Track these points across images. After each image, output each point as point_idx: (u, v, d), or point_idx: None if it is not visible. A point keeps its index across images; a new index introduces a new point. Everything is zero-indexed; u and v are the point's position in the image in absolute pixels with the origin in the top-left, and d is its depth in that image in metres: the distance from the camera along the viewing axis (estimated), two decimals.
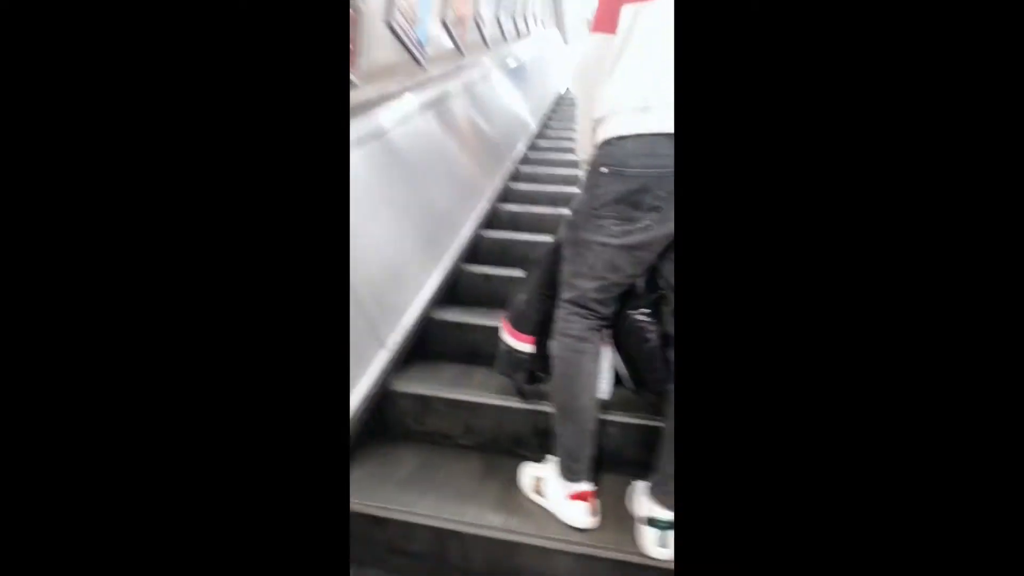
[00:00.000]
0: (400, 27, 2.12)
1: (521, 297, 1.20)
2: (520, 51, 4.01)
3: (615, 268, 0.97)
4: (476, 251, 2.25)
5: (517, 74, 3.76)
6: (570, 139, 4.13)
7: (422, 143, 2.24)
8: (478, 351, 1.60)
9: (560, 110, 4.53)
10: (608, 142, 0.93)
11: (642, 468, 1.11)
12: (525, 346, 1.20)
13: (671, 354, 1.05)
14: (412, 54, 2.30)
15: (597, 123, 0.95)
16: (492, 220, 2.52)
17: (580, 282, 1.01)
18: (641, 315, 1.07)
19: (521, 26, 4.29)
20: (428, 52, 2.44)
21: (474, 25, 3.14)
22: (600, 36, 0.95)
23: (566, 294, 1.05)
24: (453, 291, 1.97)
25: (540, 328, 1.18)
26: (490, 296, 1.98)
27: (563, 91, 4.88)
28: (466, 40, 2.97)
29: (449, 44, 2.75)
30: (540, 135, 3.80)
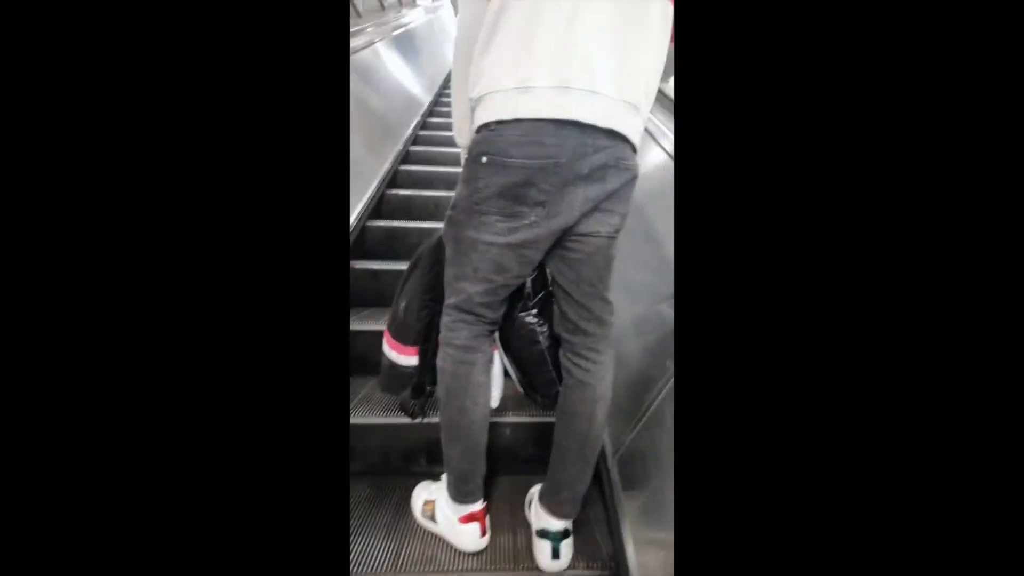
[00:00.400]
0: None
1: (401, 303, 1.07)
2: (410, 19, 3.73)
3: (502, 269, 0.88)
4: (362, 244, 2.06)
5: (407, 44, 3.49)
6: None
7: None
8: (365, 360, 1.45)
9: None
10: (486, 127, 0.81)
11: (540, 464, 1.06)
12: (408, 359, 1.08)
13: (561, 356, 0.98)
14: None
15: (474, 104, 0.83)
16: (380, 207, 2.32)
17: (464, 285, 0.91)
18: (530, 316, 0.99)
19: None
20: None
21: None
22: (473, 2, 0.82)
23: (450, 299, 0.94)
24: None
25: (424, 337, 1.06)
26: (378, 295, 1.82)
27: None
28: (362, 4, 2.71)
29: None
30: (433, 113, 3.59)
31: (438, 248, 1.00)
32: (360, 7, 2.73)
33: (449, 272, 0.93)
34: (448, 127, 3.59)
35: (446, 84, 4.02)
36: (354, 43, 2.52)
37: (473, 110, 0.84)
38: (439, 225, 0.95)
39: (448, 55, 4.53)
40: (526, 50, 0.76)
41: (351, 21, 2.65)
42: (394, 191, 2.40)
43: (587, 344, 0.95)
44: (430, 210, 2.35)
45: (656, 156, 1.47)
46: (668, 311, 1.10)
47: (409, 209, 2.35)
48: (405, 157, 2.77)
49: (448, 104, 3.89)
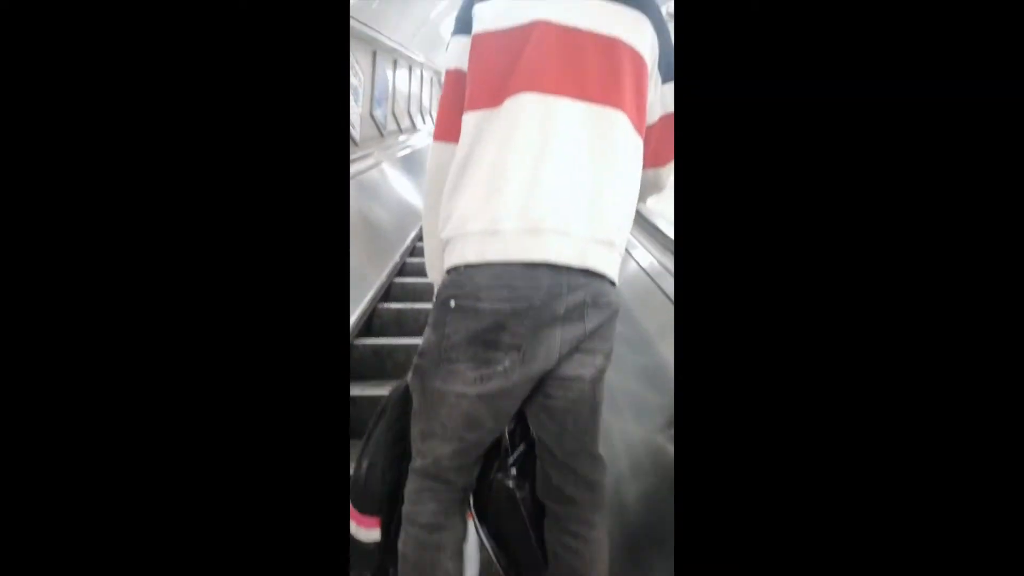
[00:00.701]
0: None
1: (363, 463, 0.93)
2: (413, 144, 3.97)
3: (474, 424, 0.77)
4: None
5: (408, 166, 3.68)
6: None
7: None
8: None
9: None
10: (455, 270, 0.76)
11: None
12: (370, 532, 0.92)
13: (546, 531, 0.83)
14: None
15: (443, 244, 0.79)
16: (371, 323, 2.26)
17: (432, 445, 0.79)
18: (509, 480, 0.85)
19: (413, 122, 4.30)
20: None
21: (369, 120, 3.10)
22: (441, 145, 0.81)
23: (416, 461, 0.81)
24: None
25: (389, 505, 0.91)
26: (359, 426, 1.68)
27: None
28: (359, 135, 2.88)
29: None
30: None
31: (406, 397, 0.89)
32: (357, 137, 2.90)
33: (415, 428, 0.82)
34: None
35: None
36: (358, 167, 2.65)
37: (444, 249, 0.79)
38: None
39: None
40: (494, 192, 0.74)
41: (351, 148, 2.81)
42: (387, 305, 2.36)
43: (576, 516, 0.80)
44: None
45: (631, 267, 1.44)
46: (668, 445, 0.96)
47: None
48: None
49: None
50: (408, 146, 3.71)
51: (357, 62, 2.81)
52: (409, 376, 0.83)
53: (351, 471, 0.96)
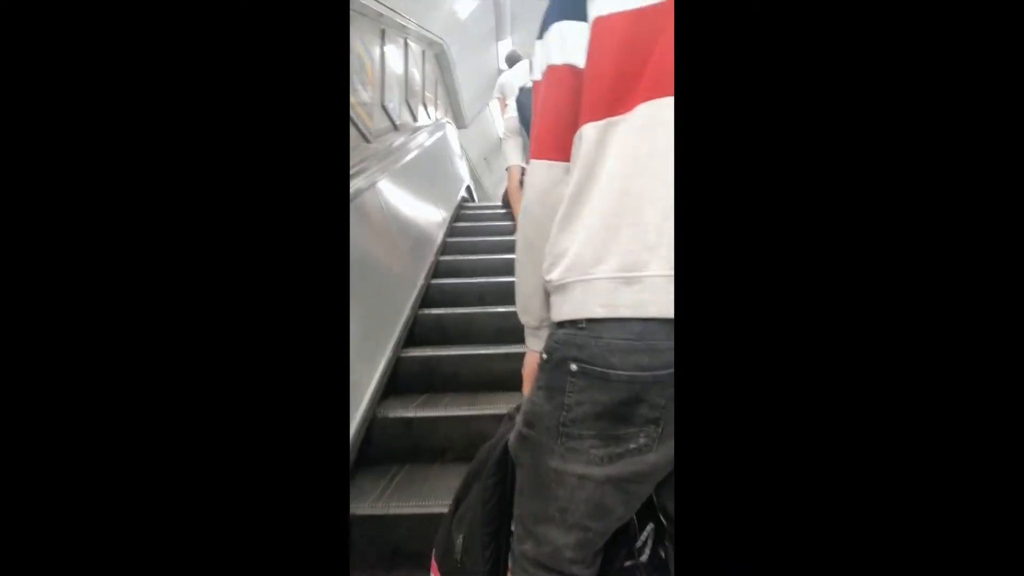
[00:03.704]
0: None
1: (456, 538, 0.76)
2: (423, 138, 3.47)
3: (601, 512, 0.60)
4: (395, 377, 1.81)
5: (423, 162, 3.29)
6: (491, 217, 3.77)
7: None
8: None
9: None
10: (575, 325, 0.58)
11: None
12: None
13: None
14: None
15: (553, 287, 0.61)
16: (413, 332, 2.10)
17: (548, 532, 0.62)
18: (640, 568, 0.68)
19: (422, 115, 3.89)
20: None
21: (382, 112, 2.80)
22: (544, 164, 0.62)
23: (526, 544, 0.65)
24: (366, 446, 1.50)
25: None
26: (416, 450, 1.53)
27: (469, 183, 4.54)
28: (372, 128, 2.57)
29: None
30: (452, 230, 3.33)
31: (505, 461, 0.72)
32: (370, 132, 2.56)
33: (525, 507, 0.65)
34: (474, 231, 3.41)
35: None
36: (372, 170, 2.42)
37: (550, 293, 0.62)
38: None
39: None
40: (629, 226, 0.56)
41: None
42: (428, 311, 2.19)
43: None
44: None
45: None
46: None
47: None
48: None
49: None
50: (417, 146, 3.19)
51: (364, 43, 2.52)
52: (512, 441, 0.65)
53: (438, 539, 0.81)
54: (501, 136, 2.42)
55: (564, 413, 0.57)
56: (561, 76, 0.60)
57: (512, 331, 2.02)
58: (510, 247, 2.90)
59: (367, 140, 2.49)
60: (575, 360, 0.56)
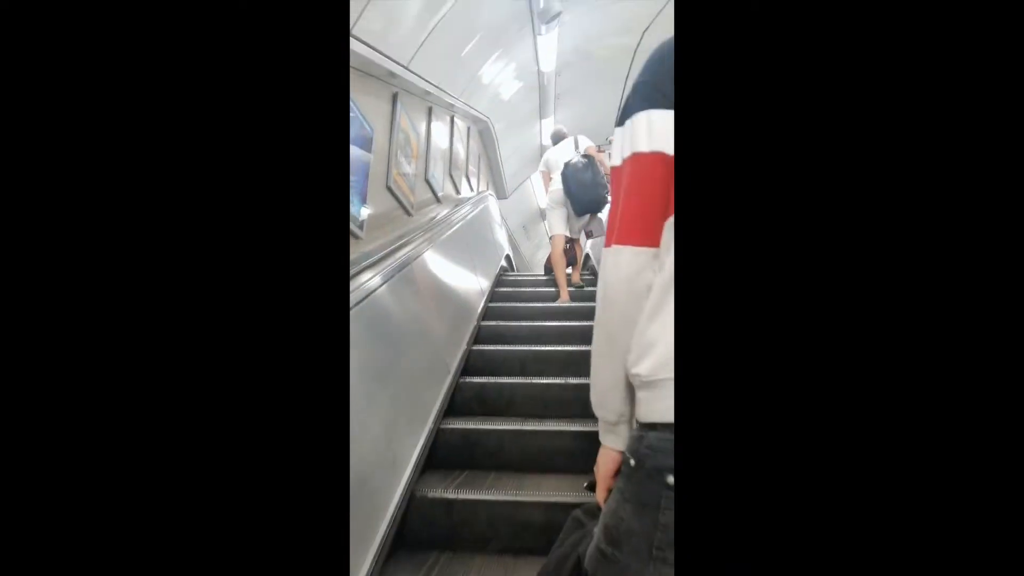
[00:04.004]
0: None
1: None
2: (466, 211, 3.43)
3: None
4: (434, 450, 1.72)
5: (465, 235, 3.24)
6: (531, 283, 3.77)
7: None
8: None
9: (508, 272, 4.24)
10: (671, 429, 0.51)
11: None
12: None
13: None
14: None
15: (641, 382, 0.56)
16: (455, 401, 2.02)
17: None
18: None
19: (465, 188, 3.92)
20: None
21: (425, 185, 2.86)
22: (630, 250, 0.58)
23: None
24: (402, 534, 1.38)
25: None
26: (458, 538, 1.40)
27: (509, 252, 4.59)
28: (414, 201, 2.59)
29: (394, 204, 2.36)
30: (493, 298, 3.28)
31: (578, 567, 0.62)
32: (412, 205, 2.55)
33: None
34: (515, 297, 3.35)
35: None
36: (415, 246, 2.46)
37: (637, 389, 0.58)
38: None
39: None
40: None
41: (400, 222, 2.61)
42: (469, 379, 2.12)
43: None
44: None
45: None
46: None
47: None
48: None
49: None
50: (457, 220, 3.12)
51: (410, 119, 2.61)
52: (590, 559, 0.56)
53: None
54: (544, 207, 2.45)
55: (659, 534, 0.49)
56: (650, 164, 0.58)
57: (559, 402, 1.94)
58: (551, 313, 2.89)
59: (408, 213, 2.48)
60: (672, 471, 0.49)
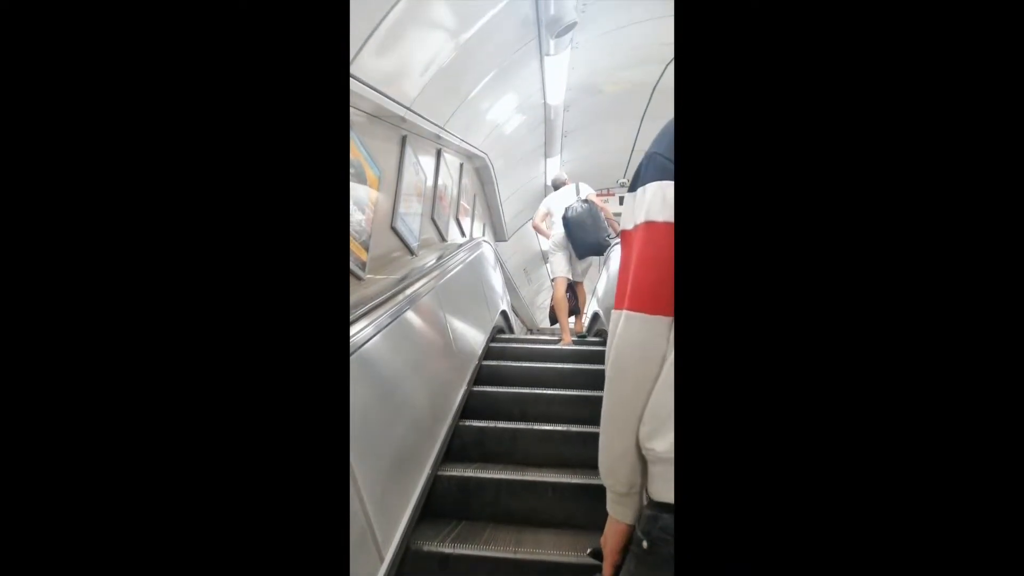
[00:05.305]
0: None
1: None
2: (464, 255, 3.07)
3: None
4: (429, 500, 1.63)
5: (462, 282, 2.86)
6: (534, 344, 3.25)
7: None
8: None
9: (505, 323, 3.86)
10: None
11: None
12: None
13: None
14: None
15: (655, 458, 0.55)
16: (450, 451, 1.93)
17: None
18: None
19: (454, 232, 3.43)
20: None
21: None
22: (640, 317, 0.57)
23: None
24: None
25: None
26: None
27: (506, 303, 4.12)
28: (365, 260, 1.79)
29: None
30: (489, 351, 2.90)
31: None
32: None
33: None
34: (512, 354, 2.88)
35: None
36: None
37: (650, 463, 0.57)
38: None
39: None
40: None
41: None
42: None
43: None
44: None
45: None
46: None
47: None
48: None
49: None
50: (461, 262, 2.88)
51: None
52: None
53: None
54: (546, 249, 2.45)
55: None
56: (665, 233, 0.57)
57: (558, 456, 1.83)
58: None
59: (357, 277, 1.74)
60: None
